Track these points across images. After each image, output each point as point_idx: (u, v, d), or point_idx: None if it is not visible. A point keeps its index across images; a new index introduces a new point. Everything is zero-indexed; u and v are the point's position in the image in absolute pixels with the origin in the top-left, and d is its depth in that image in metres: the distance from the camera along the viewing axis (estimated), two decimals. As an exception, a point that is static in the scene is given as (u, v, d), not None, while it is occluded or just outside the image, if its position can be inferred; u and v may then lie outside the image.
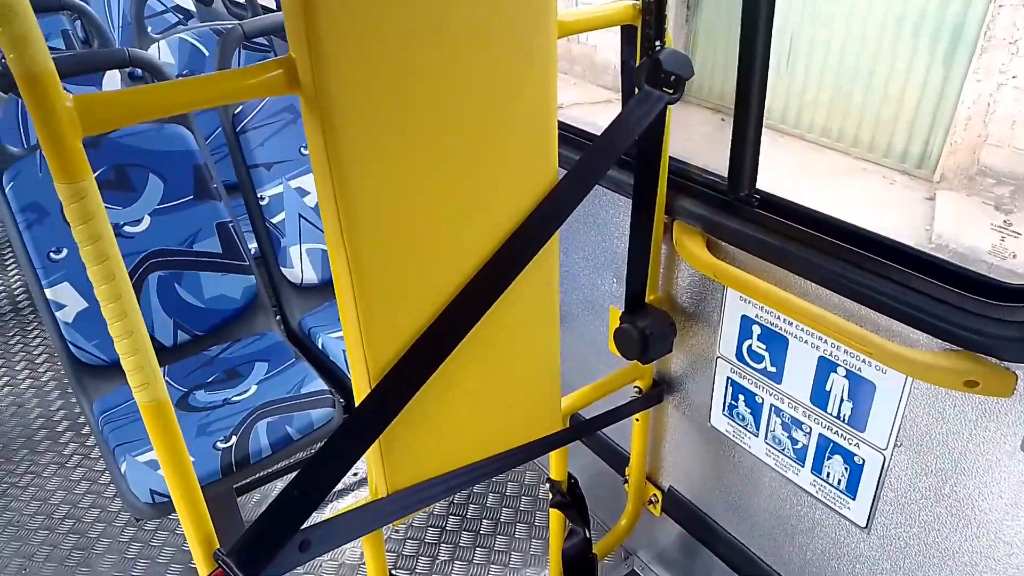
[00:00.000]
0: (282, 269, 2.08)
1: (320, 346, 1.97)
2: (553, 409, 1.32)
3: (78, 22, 3.44)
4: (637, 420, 1.60)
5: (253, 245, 2.11)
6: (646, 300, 1.45)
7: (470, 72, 0.99)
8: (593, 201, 1.63)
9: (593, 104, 7.07)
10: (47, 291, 1.76)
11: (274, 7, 3.38)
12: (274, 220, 2.06)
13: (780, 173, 5.41)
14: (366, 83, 0.91)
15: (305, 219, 2.09)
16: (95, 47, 3.26)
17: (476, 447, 1.23)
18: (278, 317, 2.11)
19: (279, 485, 2.20)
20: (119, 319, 0.87)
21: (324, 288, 2.11)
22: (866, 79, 5.49)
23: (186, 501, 0.99)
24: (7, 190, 1.73)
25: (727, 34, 6.33)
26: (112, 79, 2.68)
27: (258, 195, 2.05)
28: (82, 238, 0.82)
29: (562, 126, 1.20)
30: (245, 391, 1.78)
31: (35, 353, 2.90)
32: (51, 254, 1.76)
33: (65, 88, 0.78)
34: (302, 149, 2.11)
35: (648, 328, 1.40)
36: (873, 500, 1.26)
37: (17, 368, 2.82)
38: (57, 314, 1.77)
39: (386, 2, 0.89)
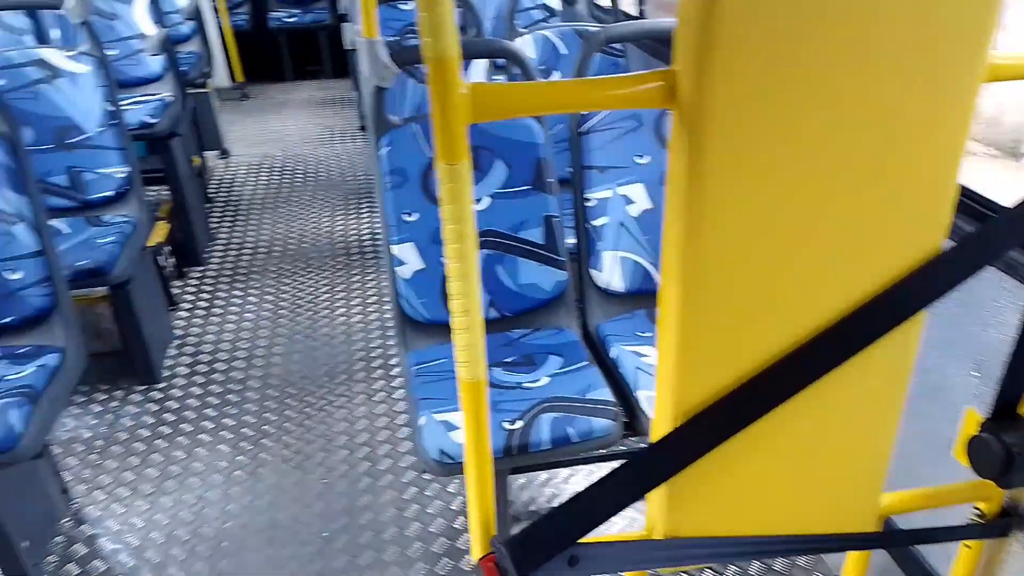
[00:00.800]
0: (591, 271, 2.10)
1: (612, 355, 1.96)
2: (868, 505, 1.14)
3: (458, 10, 3.85)
4: (968, 547, 1.33)
5: (570, 241, 2.17)
6: (1019, 410, 1.19)
7: (873, 111, 0.87)
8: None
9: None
10: (393, 247, 1.98)
11: (635, 14, 3.44)
12: (595, 223, 2.08)
13: None
14: (750, 108, 0.84)
15: (625, 227, 2.08)
16: (470, 36, 3.63)
17: (770, 520, 1.10)
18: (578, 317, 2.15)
19: (542, 476, 2.26)
20: (461, 297, 0.91)
21: (627, 298, 2.09)
22: None
23: (478, 482, 1.02)
24: (382, 153, 1.97)
25: None
26: (476, 65, 2.94)
27: (585, 196, 2.10)
28: (448, 216, 0.86)
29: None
30: (537, 380, 1.84)
31: (368, 294, 3.34)
32: (404, 215, 1.98)
33: None
34: (636, 157, 2.10)
35: (1017, 446, 1.14)
36: None
37: (353, 304, 3.27)
38: (397, 269, 1.98)
39: (798, 24, 0.81)
